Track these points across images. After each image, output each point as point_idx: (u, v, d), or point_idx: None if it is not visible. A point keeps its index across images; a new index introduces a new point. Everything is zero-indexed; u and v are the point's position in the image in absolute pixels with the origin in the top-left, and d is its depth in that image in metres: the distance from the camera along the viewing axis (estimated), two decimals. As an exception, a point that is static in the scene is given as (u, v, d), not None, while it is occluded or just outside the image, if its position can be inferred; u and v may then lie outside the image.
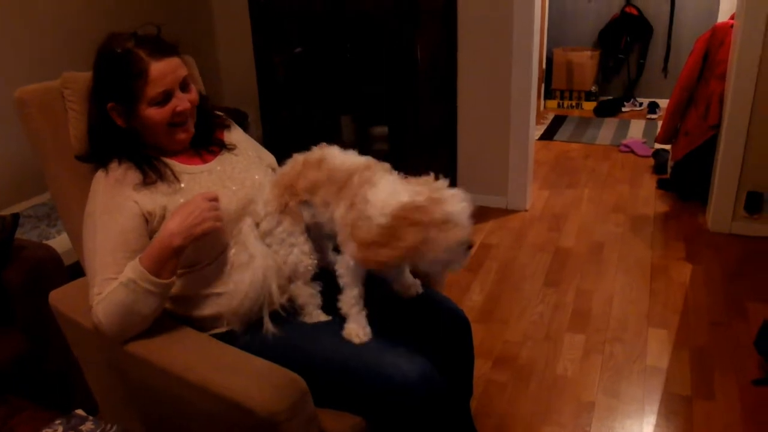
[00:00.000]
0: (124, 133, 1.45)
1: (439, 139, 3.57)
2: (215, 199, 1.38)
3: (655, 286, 2.76)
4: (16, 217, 1.86)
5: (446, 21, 3.37)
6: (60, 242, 2.25)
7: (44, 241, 2.24)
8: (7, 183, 2.78)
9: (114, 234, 1.36)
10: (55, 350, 1.90)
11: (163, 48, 1.41)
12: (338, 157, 1.47)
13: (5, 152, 2.76)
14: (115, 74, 1.38)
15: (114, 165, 1.43)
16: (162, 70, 1.38)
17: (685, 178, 3.65)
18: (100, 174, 1.44)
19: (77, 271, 1.70)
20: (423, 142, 3.46)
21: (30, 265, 1.88)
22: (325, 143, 1.54)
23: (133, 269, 1.31)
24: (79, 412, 1.30)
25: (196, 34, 3.83)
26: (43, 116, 1.54)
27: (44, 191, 2.92)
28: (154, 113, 1.40)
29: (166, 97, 1.40)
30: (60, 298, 1.55)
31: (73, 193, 1.56)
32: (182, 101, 1.43)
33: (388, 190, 1.35)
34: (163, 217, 1.39)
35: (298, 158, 1.51)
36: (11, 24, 2.78)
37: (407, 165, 3.40)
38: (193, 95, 1.47)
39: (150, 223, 1.39)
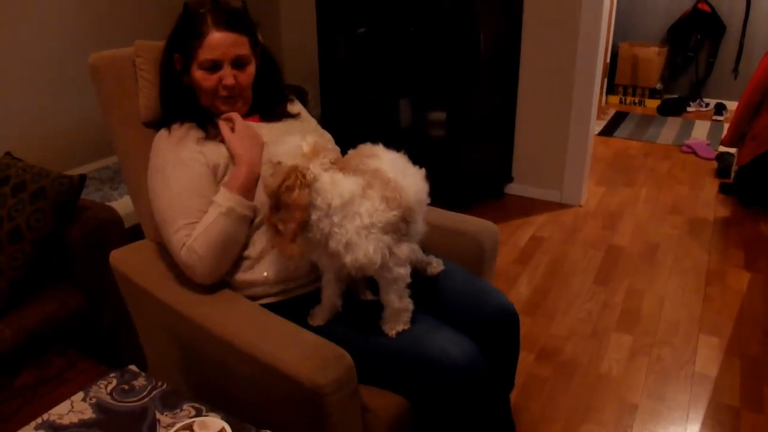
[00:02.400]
0: (187, 90, 1.53)
1: (496, 127, 3.54)
2: None
3: (709, 292, 2.69)
4: (82, 177, 1.92)
5: (512, 9, 3.32)
6: (122, 204, 2.33)
7: (107, 203, 2.31)
8: (75, 145, 2.88)
9: (190, 183, 1.43)
10: (110, 308, 1.97)
11: (231, 21, 1.47)
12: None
13: (75, 116, 2.85)
14: (183, 28, 1.49)
15: (176, 126, 1.51)
16: (219, 40, 1.45)
17: (749, 183, 3.52)
18: (162, 132, 1.52)
19: (137, 233, 1.76)
20: (480, 130, 3.43)
21: (92, 224, 1.95)
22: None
23: (227, 198, 1.39)
24: (132, 367, 1.35)
25: (260, 10, 3.86)
26: (114, 82, 1.59)
27: (110, 155, 3.02)
28: (201, 77, 1.49)
29: (214, 66, 1.47)
30: (120, 258, 1.61)
31: (138, 158, 1.61)
32: (229, 76, 1.48)
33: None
34: (227, 167, 1.46)
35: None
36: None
37: (463, 152, 3.40)
38: (246, 75, 1.52)
39: (216, 175, 1.46)
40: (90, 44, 2.84)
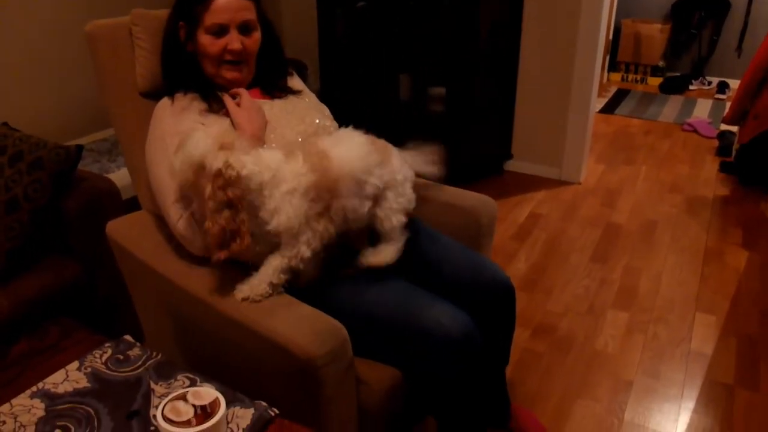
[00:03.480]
0: (190, 59, 1.51)
1: (497, 103, 3.52)
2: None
3: (706, 271, 2.70)
4: (79, 148, 1.91)
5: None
6: (119, 176, 2.32)
7: (105, 175, 2.30)
8: (73, 117, 2.86)
9: None
10: (106, 279, 1.97)
11: None
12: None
13: (73, 87, 2.83)
14: None
15: (179, 95, 1.50)
16: (225, 4, 1.45)
17: (750, 162, 3.51)
18: (165, 101, 1.50)
19: (134, 204, 1.76)
20: (481, 106, 3.41)
21: (89, 195, 1.94)
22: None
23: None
24: (127, 338, 1.35)
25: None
26: (111, 52, 1.57)
27: (108, 127, 3.00)
28: (207, 42, 1.48)
29: (220, 30, 1.46)
30: (117, 228, 1.60)
31: (135, 130, 1.60)
32: (235, 41, 1.48)
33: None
34: None
35: None
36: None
37: (462, 128, 3.38)
38: (252, 41, 1.51)
39: None
40: (87, 14, 2.80)
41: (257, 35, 1.53)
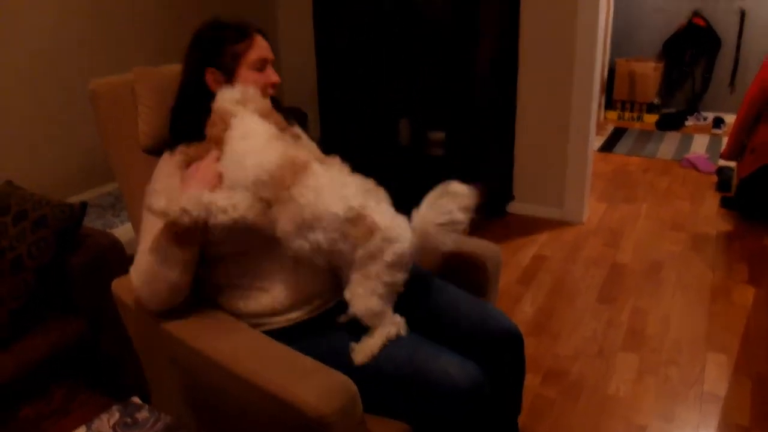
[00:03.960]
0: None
1: (496, 146, 3.54)
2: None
3: (714, 309, 2.67)
4: (83, 205, 1.91)
5: (508, 28, 3.33)
6: (123, 232, 2.32)
7: (108, 230, 2.30)
8: (75, 172, 2.87)
9: None
10: (111, 336, 1.95)
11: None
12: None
13: (75, 142, 2.85)
14: (223, 36, 1.51)
15: (182, 147, 1.47)
16: (262, 42, 1.55)
17: (750, 197, 3.52)
18: (166, 155, 1.50)
19: (138, 261, 1.75)
20: (480, 149, 3.43)
21: (93, 252, 1.94)
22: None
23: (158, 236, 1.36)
24: (135, 400, 1.33)
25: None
26: (113, 108, 1.59)
27: (110, 181, 3.01)
28: (253, 78, 1.51)
29: (262, 65, 1.53)
30: (123, 286, 1.59)
31: (138, 185, 1.60)
32: (275, 74, 1.56)
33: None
34: None
35: None
36: (87, 18, 2.87)
37: (463, 171, 3.39)
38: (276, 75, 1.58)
39: None
40: (88, 71, 2.84)
41: None
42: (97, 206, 2.69)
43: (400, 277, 1.39)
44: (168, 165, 1.48)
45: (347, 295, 1.38)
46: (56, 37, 2.76)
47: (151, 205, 1.29)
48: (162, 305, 1.41)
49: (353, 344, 1.39)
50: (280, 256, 1.44)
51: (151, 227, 1.38)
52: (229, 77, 1.50)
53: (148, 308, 1.42)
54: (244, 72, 1.50)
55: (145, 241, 1.39)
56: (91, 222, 2.49)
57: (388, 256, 1.34)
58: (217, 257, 1.45)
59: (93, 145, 2.89)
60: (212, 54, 1.51)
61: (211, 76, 1.51)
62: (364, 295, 1.36)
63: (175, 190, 1.37)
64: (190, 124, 1.50)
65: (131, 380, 1.84)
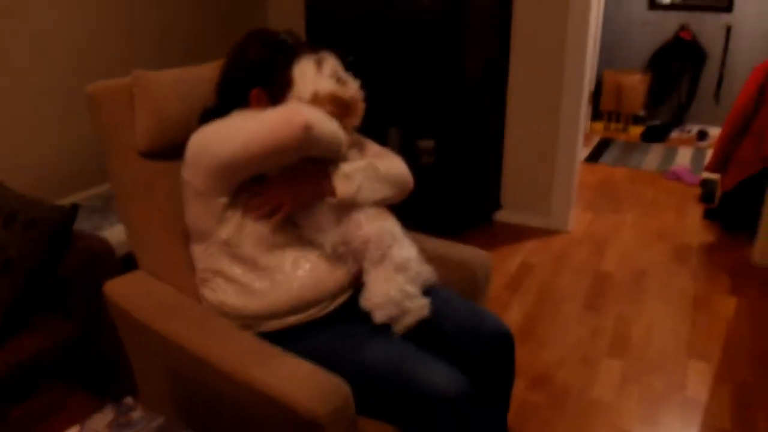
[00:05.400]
0: None
1: (485, 155, 3.58)
2: None
3: (697, 318, 2.72)
4: (75, 207, 1.92)
5: (499, 38, 3.38)
6: (112, 234, 2.32)
7: (97, 233, 2.31)
8: (62, 175, 2.87)
9: None
10: (101, 338, 1.96)
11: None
12: None
13: (63, 145, 2.85)
14: (280, 58, 1.48)
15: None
16: None
17: (733, 209, 3.58)
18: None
19: (128, 262, 1.76)
20: (469, 157, 3.47)
21: (84, 254, 1.95)
22: None
23: None
24: (128, 400, 1.34)
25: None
26: (111, 113, 1.60)
27: (97, 184, 3.01)
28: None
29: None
30: (114, 288, 1.60)
31: (132, 188, 1.62)
32: None
33: None
34: None
35: None
36: (83, 20, 2.88)
37: (452, 179, 3.42)
38: None
39: None
40: (73, 75, 2.84)
41: None
42: (86, 209, 2.69)
43: (407, 281, 1.47)
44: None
45: (365, 304, 1.46)
46: (52, 38, 2.77)
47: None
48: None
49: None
50: (288, 258, 1.47)
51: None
52: (275, 103, 1.48)
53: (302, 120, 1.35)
54: (292, 99, 1.47)
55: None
56: (80, 224, 2.48)
57: (396, 257, 1.46)
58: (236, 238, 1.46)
59: (81, 148, 2.89)
60: (261, 77, 1.49)
61: (255, 96, 1.50)
62: (381, 304, 1.44)
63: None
64: None
65: (123, 381, 1.84)
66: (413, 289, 1.48)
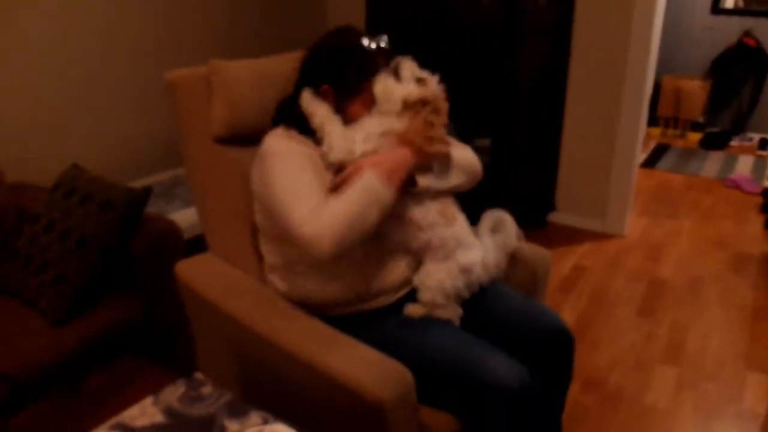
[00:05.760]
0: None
1: (541, 156, 3.56)
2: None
3: (756, 328, 2.66)
4: (148, 190, 1.99)
5: (558, 40, 3.35)
6: (177, 218, 2.39)
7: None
8: (130, 160, 2.97)
9: (315, 173, 1.43)
10: (167, 317, 2.03)
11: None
12: None
13: (132, 132, 2.95)
14: (351, 65, 1.49)
15: (293, 132, 1.51)
16: None
17: (796, 220, 3.49)
18: (280, 131, 1.51)
19: (194, 245, 1.82)
20: (525, 158, 3.46)
21: (154, 236, 2.02)
22: None
23: (369, 177, 1.37)
24: (199, 375, 1.39)
25: (310, 34, 3.96)
26: (188, 100, 1.66)
27: (162, 170, 3.10)
28: (363, 110, 1.49)
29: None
30: (186, 269, 1.66)
31: (205, 173, 1.68)
32: None
33: None
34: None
35: None
36: (161, 8, 2.98)
37: (507, 179, 3.41)
38: None
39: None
40: (144, 66, 2.94)
41: None
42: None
43: (466, 285, 1.52)
44: (286, 137, 1.49)
45: (416, 280, 1.50)
46: (125, 31, 2.87)
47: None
48: (344, 249, 1.36)
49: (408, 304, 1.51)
50: (358, 250, 1.48)
51: (308, 182, 1.40)
52: (339, 106, 1.49)
53: (328, 249, 1.33)
54: (355, 106, 1.49)
55: (307, 195, 1.38)
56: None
57: (462, 259, 1.49)
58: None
59: (149, 136, 2.99)
60: (335, 75, 1.50)
61: (323, 91, 1.50)
62: (432, 288, 1.46)
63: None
64: (294, 116, 1.52)
65: (186, 358, 1.91)
66: (466, 293, 1.53)
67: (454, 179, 1.57)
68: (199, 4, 3.21)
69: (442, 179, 1.53)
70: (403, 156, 1.43)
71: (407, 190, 1.47)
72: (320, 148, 1.47)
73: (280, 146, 1.47)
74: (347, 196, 1.35)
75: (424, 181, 1.48)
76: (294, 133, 1.50)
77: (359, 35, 1.51)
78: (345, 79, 1.49)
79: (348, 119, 1.49)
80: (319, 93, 1.51)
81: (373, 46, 1.50)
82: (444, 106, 1.51)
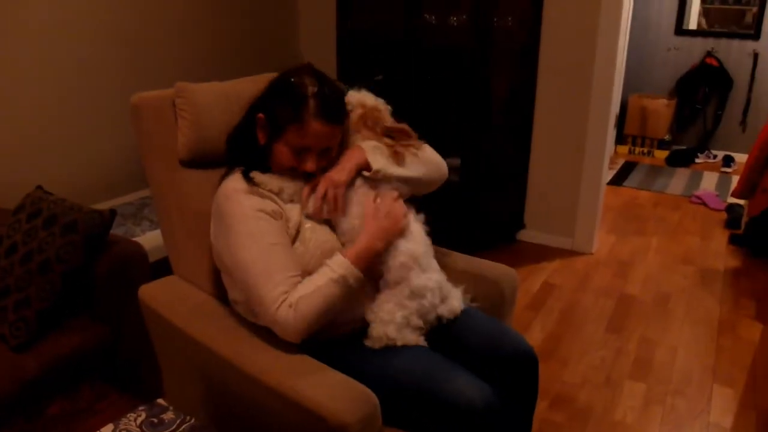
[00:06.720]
0: (257, 147, 1.52)
1: (510, 174, 3.60)
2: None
3: (722, 343, 2.70)
4: (113, 212, 1.97)
5: (526, 61, 3.40)
6: (144, 240, 2.37)
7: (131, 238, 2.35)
8: (97, 181, 2.94)
9: (279, 237, 1.41)
10: (130, 340, 2.00)
11: (333, 115, 1.46)
12: None
13: (100, 153, 2.92)
14: (282, 103, 1.46)
15: (256, 174, 1.49)
16: (315, 131, 1.43)
17: (760, 234, 3.56)
18: (237, 179, 1.48)
19: (159, 268, 1.80)
20: (494, 177, 3.49)
21: (119, 258, 2.00)
22: None
23: (342, 266, 1.39)
24: (161, 401, 1.38)
25: (282, 57, 3.97)
26: (154, 122, 1.65)
27: (131, 192, 3.07)
28: (284, 153, 1.47)
29: (302, 150, 1.46)
30: (150, 293, 1.64)
31: (173, 197, 1.66)
32: (312, 164, 1.47)
33: None
34: (298, 225, 1.47)
35: None
36: (125, 33, 2.97)
37: (476, 198, 3.44)
38: (327, 160, 1.50)
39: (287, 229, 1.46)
40: (118, 84, 2.93)
41: (334, 153, 1.52)
42: (119, 215, 2.75)
43: (417, 312, 1.49)
44: (244, 189, 1.45)
45: (368, 315, 1.48)
46: (96, 51, 2.85)
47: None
48: (314, 331, 1.39)
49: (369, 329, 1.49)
50: None
51: (277, 254, 1.38)
52: (267, 141, 1.49)
53: (293, 339, 1.38)
54: (280, 146, 1.47)
55: (279, 269, 1.37)
56: (113, 229, 2.54)
57: (415, 281, 1.48)
58: None
59: (115, 158, 2.96)
60: (268, 108, 1.49)
61: (259, 123, 1.50)
62: (384, 320, 1.46)
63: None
64: (244, 151, 1.53)
65: (150, 383, 1.88)
66: (418, 321, 1.50)
67: (415, 170, 1.62)
68: (170, 27, 3.20)
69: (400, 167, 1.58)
70: (373, 242, 1.46)
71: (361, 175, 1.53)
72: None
73: (242, 205, 1.42)
74: (326, 287, 1.37)
75: (377, 162, 1.52)
76: (251, 180, 1.47)
77: (308, 79, 1.46)
78: (276, 115, 1.46)
79: (274, 154, 1.49)
80: (256, 119, 1.51)
81: (312, 91, 1.43)
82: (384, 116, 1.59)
